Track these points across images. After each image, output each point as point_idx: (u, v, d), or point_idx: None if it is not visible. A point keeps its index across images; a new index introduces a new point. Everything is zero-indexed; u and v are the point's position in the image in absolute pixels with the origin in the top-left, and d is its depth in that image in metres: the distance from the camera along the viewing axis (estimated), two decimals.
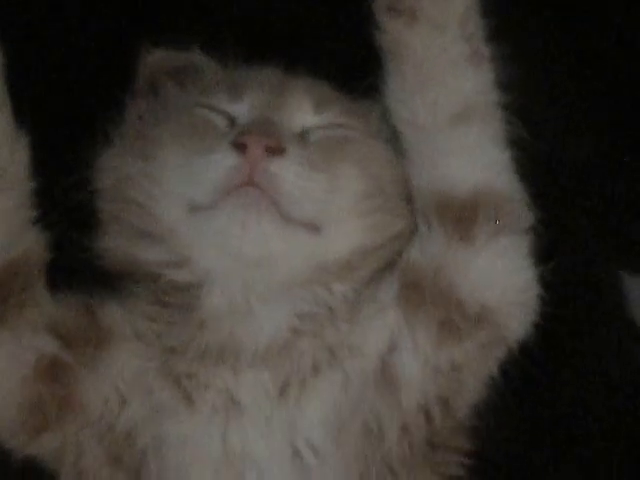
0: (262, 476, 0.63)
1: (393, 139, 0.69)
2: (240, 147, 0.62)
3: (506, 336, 0.65)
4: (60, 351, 0.65)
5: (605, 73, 0.84)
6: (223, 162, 0.62)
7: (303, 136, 0.67)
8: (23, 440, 0.65)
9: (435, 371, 0.64)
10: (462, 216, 0.65)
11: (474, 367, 0.65)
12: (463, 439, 0.68)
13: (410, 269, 0.66)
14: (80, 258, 0.68)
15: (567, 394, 0.76)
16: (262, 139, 0.62)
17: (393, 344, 0.65)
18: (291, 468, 0.63)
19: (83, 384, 0.65)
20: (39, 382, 0.64)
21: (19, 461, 0.65)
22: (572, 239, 0.79)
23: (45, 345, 0.65)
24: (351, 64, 0.77)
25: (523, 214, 0.66)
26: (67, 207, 0.67)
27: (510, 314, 0.65)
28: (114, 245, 0.68)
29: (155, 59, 0.73)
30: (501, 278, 0.65)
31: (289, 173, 0.62)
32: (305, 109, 0.68)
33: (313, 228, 0.64)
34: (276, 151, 0.62)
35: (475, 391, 0.66)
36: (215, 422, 0.64)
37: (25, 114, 0.67)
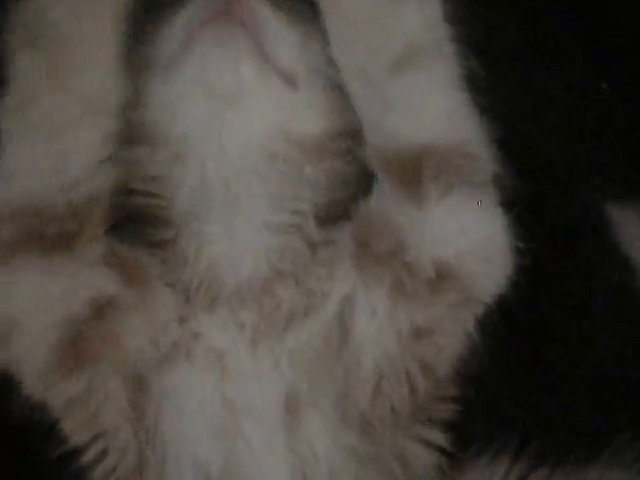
0: (255, 425, 0.63)
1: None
2: None
3: (475, 294, 0.62)
4: (117, 290, 0.62)
5: None
6: (198, 2, 0.61)
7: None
8: (51, 381, 0.61)
9: (396, 333, 0.62)
10: (408, 175, 0.61)
11: (447, 328, 0.63)
12: (448, 388, 0.67)
13: (365, 225, 0.63)
14: None
15: (556, 335, 0.76)
16: None
17: (349, 302, 0.63)
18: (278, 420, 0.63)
19: (128, 326, 0.62)
20: (90, 319, 0.61)
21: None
22: (557, 176, 0.77)
23: (105, 282, 0.62)
24: None
25: (481, 166, 0.62)
26: None
27: (474, 272, 0.62)
28: None
29: None
30: (458, 236, 0.61)
31: (267, 10, 0.62)
32: None
33: (290, 81, 0.62)
34: None
35: (454, 350, 0.64)
36: (204, 373, 0.63)
37: None
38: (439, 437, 0.66)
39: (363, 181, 0.65)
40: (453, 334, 0.63)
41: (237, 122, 0.63)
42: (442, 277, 0.61)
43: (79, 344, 0.61)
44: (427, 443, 0.66)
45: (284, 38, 0.63)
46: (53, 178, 0.61)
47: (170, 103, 0.64)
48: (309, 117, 0.64)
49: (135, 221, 0.66)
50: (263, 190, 0.64)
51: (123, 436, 0.62)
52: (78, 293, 0.61)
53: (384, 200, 0.62)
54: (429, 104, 0.62)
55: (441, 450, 0.67)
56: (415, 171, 0.61)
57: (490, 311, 0.64)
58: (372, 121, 0.63)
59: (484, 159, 0.62)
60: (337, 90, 0.64)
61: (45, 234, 0.60)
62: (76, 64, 0.61)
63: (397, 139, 0.61)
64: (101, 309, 0.61)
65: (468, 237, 0.61)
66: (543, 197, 0.74)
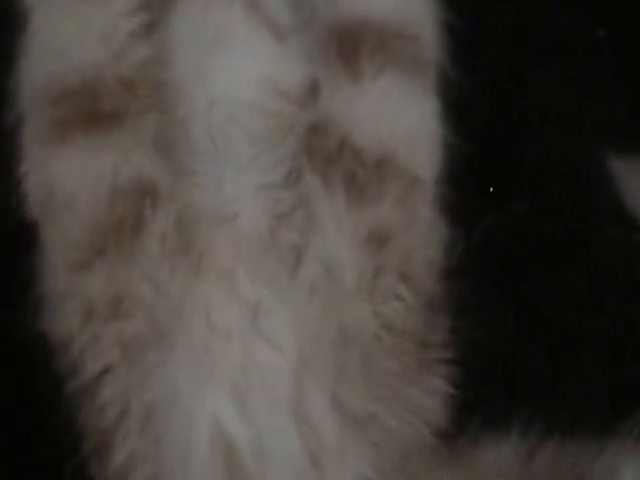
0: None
1: None
2: None
3: (412, 178, 0.62)
4: (158, 174, 0.61)
5: None
6: None
7: None
8: (81, 265, 0.60)
9: (357, 238, 0.61)
10: (347, 50, 0.62)
11: (402, 227, 0.62)
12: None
13: (312, 130, 0.63)
14: None
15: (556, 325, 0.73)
16: None
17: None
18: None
19: (160, 219, 0.61)
20: (130, 199, 0.60)
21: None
22: (554, 124, 0.75)
23: (149, 163, 0.61)
24: None
25: (422, 52, 0.63)
26: None
27: (408, 152, 0.62)
28: None
29: None
30: (391, 116, 0.62)
31: None
32: None
33: (277, 33, 0.63)
34: None
35: (424, 254, 0.63)
36: None
37: None
38: (444, 385, 0.64)
39: None
40: (410, 232, 0.62)
41: (224, 71, 0.63)
42: (383, 163, 0.61)
43: (115, 226, 0.59)
44: (432, 391, 0.63)
45: None
46: (99, 49, 0.61)
47: (164, 45, 0.63)
48: (296, 70, 0.64)
49: None
50: (254, 151, 0.63)
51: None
52: (124, 168, 0.60)
53: (325, 97, 0.62)
54: None
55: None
56: (354, 46, 0.61)
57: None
58: None
59: (428, 45, 0.63)
60: None
61: (97, 111, 0.60)
62: None
63: (342, 6, 0.62)
64: (142, 191, 0.60)
65: (401, 118, 0.62)
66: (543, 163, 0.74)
